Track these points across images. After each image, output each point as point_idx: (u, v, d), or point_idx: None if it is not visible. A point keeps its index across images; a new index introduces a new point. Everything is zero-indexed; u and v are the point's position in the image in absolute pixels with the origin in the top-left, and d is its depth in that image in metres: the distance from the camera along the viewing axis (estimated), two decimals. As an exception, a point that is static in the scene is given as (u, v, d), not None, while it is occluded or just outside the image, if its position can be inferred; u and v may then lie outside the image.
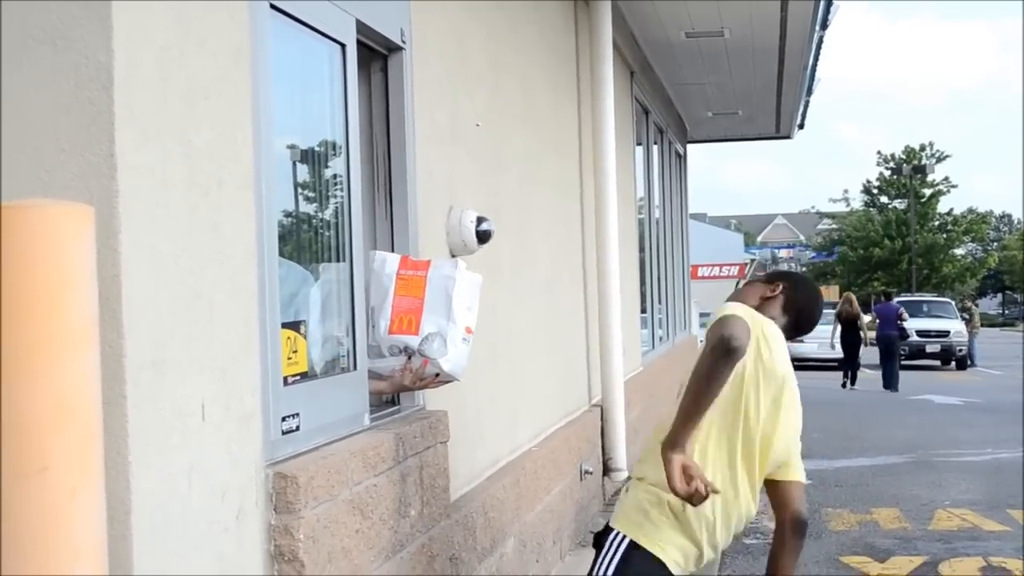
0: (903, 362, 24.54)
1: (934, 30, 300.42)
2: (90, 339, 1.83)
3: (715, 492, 3.69)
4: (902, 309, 26.11)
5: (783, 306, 4.18)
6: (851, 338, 25.00)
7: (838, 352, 31.60)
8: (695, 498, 3.65)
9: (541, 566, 6.25)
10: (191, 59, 2.92)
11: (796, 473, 4.06)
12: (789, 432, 3.99)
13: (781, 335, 4.04)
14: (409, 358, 4.26)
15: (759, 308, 4.09)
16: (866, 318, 25.89)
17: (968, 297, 54.10)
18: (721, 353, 3.64)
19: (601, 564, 3.91)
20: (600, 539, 4.00)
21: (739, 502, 3.96)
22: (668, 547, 3.89)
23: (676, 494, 3.67)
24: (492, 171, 5.98)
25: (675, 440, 3.69)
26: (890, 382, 24.09)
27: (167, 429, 2.73)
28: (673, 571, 3.90)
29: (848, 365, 25.14)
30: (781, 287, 4.21)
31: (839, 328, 25.52)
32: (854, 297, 26.62)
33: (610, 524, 3.99)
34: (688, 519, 3.87)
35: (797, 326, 4.24)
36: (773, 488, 4.07)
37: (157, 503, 2.66)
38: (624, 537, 3.91)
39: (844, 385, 24.78)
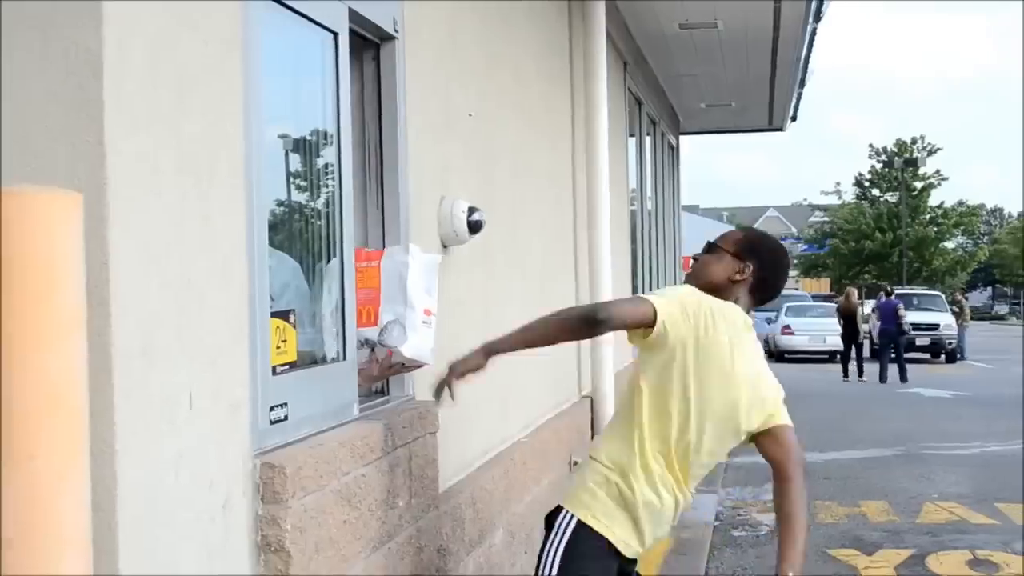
0: (893, 355, 24.94)
1: (929, 21, 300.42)
2: (78, 327, 1.82)
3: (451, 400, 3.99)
4: (900, 304, 26.51)
5: (751, 288, 4.13)
6: (849, 330, 25.67)
7: (828, 345, 32.12)
8: (439, 391, 4.03)
9: (529, 557, 6.22)
10: (182, 47, 2.90)
11: (782, 419, 4.05)
12: (749, 394, 3.96)
13: (735, 315, 3.97)
14: (372, 350, 4.25)
15: (725, 288, 4.08)
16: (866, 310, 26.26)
17: (958, 290, 54.20)
18: (588, 320, 3.96)
19: (551, 545, 3.91)
20: (550, 519, 3.99)
21: (682, 490, 3.98)
22: (615, 528, 3.90)
23: (447, 378, 4.01)
24: (484, 162, 5.97)
25: (496, 347, 4.02)
26: (885, 375, 24.55)
27: (155, 418, 2.71)
28: (622, 551, 3.92)
29: (848, 358, 25.71)
30: (752, 269, 4.10)
31: (841, 321, 26.28)
32: (854, 291, 27.18)
33: (560, 504, 3.99)
34: (635, 501, 3.88)
35: (762, 301, 4.23)
36: (765, 440, 4.04)
37: (144, 492, 2.64)
38: (572, 517, 3.91)
39: (846, 377, 25.38)
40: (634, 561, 4.06)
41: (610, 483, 3.90)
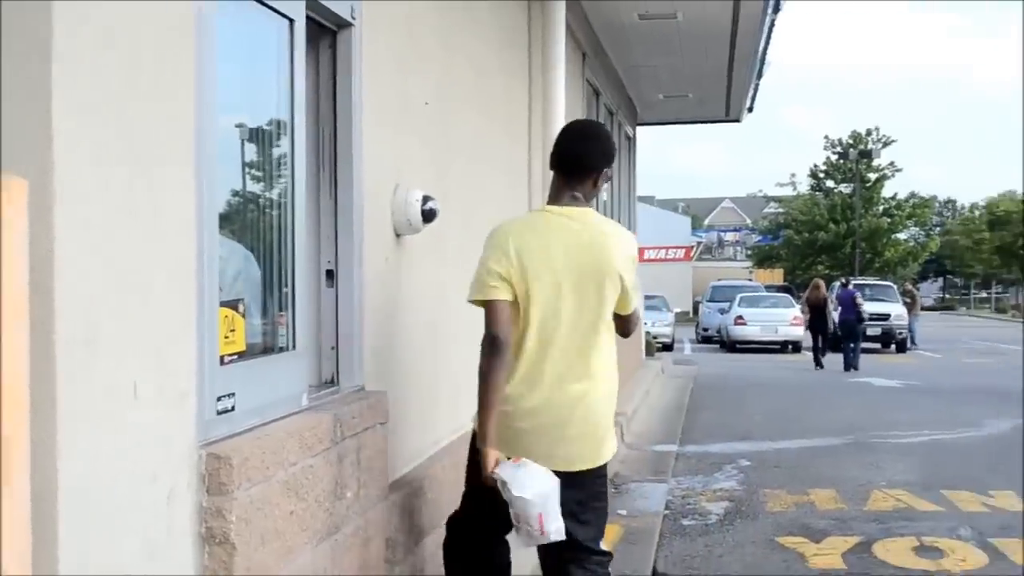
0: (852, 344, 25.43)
1: (885, 15, 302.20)
2: (20, 316, 1.79)
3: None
4: (858, 294, 27.03)
5: (555, 175, 4.50)
6: (819, 323, 26.18)
7: (780, 335, 32.60)
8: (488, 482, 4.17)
9: (479, 546, 6.24)
10: (133, 33, 2.86)
11: (630, 306, 4.50)
12: (594, 283, 4.31)
13: (548, 224, 4.36)
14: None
15: (559, 197, 4.44)
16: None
17: (910, 281, 54.60)
18: (490, 352, 4.21)
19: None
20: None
21: (580, 383, 4.30)
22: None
23: (486, 482, 4.18)
24: (440, 151, 5.94)
25: (484, 434, 4.21)
26: (851, 363, 25.04)
27: (98, 409, 2.68)
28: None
29: (818, 348, 26.21)
30: (552, 168, 4.52)
31: (808, 314, 26.87)
32: (822, 282, 27.90)
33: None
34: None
35: (567, 173, 4.47)
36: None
37: (86, 484, 2.61)
38: None
39: (816, 366, 25.79)
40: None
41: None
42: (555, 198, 4.45)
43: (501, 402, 4.19)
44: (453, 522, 4.68)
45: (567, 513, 4.19)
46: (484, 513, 4.38)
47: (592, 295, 4.30)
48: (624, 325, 4.58)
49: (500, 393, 4.18)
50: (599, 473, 4.43)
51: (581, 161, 4.45)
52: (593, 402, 4.33)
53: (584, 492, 4.35)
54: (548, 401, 4.26)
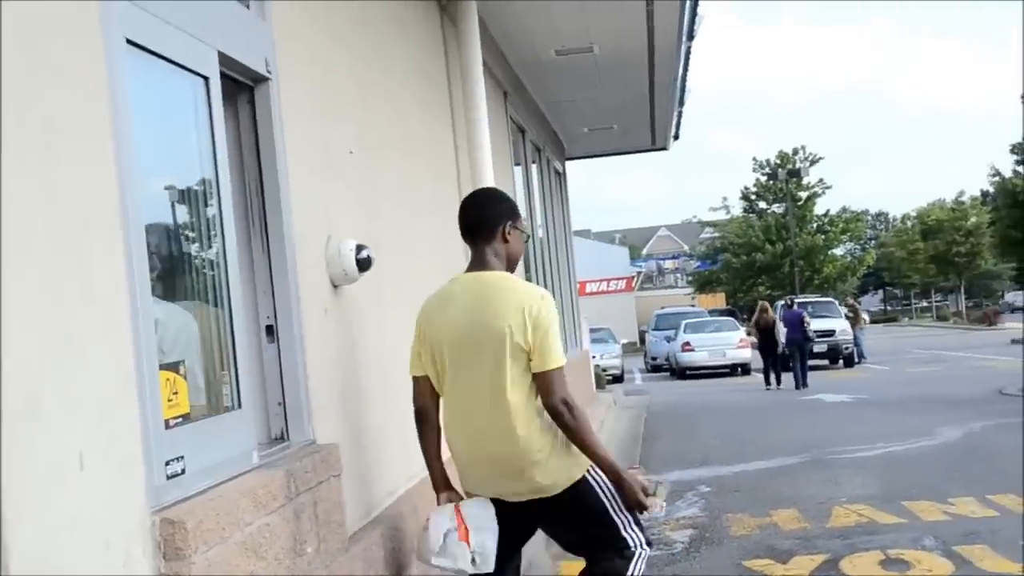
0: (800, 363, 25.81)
1: (796, 34, 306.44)
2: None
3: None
4: (804, 313, 27.48)
5: (469, 246, 4.77)
6: (768, 343, 26.59)
7: (728, 359, 32.98)
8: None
9: (446, 593, 6.18)
10: (47, 97, 2.82)
11: (537, 366, 4.45)
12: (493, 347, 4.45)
13: (448, 292, 4.67)
14: None
15: (472, 264, 4.71)
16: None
17: (851, 295, 55.09)
18: (416, 420, 4.72)
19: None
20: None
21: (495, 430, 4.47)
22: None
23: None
24: (369, 198, 5.92)
25: (433, 480, 4.78)
26: (804, 381, 25.53)
27: (45, 480, 2.62)
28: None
29: (769, 368, 26.69)
30: (464, 239, 4.78)
31: (757, 335, 27.37)
32: (769, 305, 28.25)
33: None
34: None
35: (473, 237, 4.73)
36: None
37: (36, 557, 2.55)
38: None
39: (768, 386, 26.29)
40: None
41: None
42: (470, 266, 4.72)
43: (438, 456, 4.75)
44: None
45: (567, 544, 4.81)
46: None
47: (487, 356, 4.47)
48: (541, 385, 4.46)
49: (430, 450, 4.74)
50: (562, 498, 4.53)
51: (479, 224, 4.72)
52: (508, 456, 4.49)
53: (561, 515, 4.59)
54: (472, 457, 4.60)
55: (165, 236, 3.78)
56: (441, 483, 4.74)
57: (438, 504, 4.68)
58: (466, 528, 4.54)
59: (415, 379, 4.70)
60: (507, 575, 4.77)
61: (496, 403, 4.43)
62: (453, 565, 4.53)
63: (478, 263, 4.66)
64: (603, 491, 4.56)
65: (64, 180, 2.87)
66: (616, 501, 4.57)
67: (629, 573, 4.60)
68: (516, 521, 4.64)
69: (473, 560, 4.50)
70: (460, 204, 4.89)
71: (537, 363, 4.42)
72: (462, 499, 4.68)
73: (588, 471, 4.55)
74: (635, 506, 4.56)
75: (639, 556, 4.64)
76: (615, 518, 4.59)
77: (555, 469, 4.50)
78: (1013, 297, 78.93)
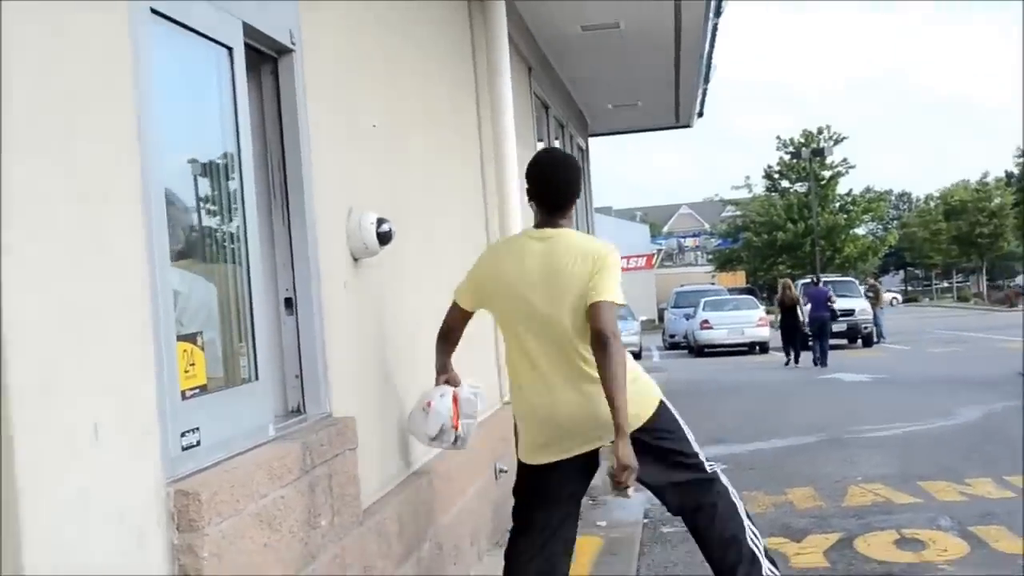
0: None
1: (826, 19, 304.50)
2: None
3: None
4: (831, 292, 27.68)
5: (533, 201, 4.97)
6: (791, 321, 27.14)
7: (747, 337, 33.12)
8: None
9: (459, 568, 6.20)
10: (69, 69, 2.82)
11: (591, 296, 4.68)
12: (552, 295, 4.75)
13: (522, 246, 4.93)
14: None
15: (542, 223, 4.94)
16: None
17: (871, 275, 54.88)
18: (437, 337, 5.33)
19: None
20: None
21: (562, 388, 4.77)
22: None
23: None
24: (393, 172, 5.90)
25: (438, 366, 5.37)
26: (823, 359, 25.68)
27: (59, 452, 2.63)
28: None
29: (790, 345, 27.22)
30: (529, 200, 5.00)
31: (780, 313, 28.16)
32: (791, 283, 28.95)
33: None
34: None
35: (546, 206, 4.93)
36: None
37: (51, 530, 2.56)
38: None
39: (787, 363, 26.78)
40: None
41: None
42: (542, 223, 4.94)
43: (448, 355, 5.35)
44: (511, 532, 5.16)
45: (654, 481, 5.00)
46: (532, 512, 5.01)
47: (565, 305, 4.72)
48: (593, 313, 4.65)
49: (443, 355, 5.35)
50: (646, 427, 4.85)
51: (563, 195, 4.93)
52: (578, 405, 4.76)
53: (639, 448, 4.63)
54: (535, 404, 4.88)
55: (186, 208, 3.78)
56: (442, 369, 5.34)
57: (436, 384, 5.32)
58: (458, 414, 5.36)
59: (455, 304, 5.19)
60: (568, 525, 5.06)
61: (573, 347, 4.73)
62: (440, 446, 5.48)
63: (549, 223, 4.90)
64: (677, 416, 5.02)
65: (85, 153, 2.86)
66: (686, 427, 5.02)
67: (734, 497, 5.12)
68: (580, 474, 4.98)
69: (456, 440, 5.41)
70: (538, 163, 5.04)
71: (592, 295, 4.65)
72: (458, 386, 5.41)
73: (662, 400, 4.98)
74: (619, 473, 4.53)
75: (720, 474, 5.12)
76: (691, 440, 5.04)
77: (634, 401, 4.68)
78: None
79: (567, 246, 4.79)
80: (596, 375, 4.58)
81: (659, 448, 4.90)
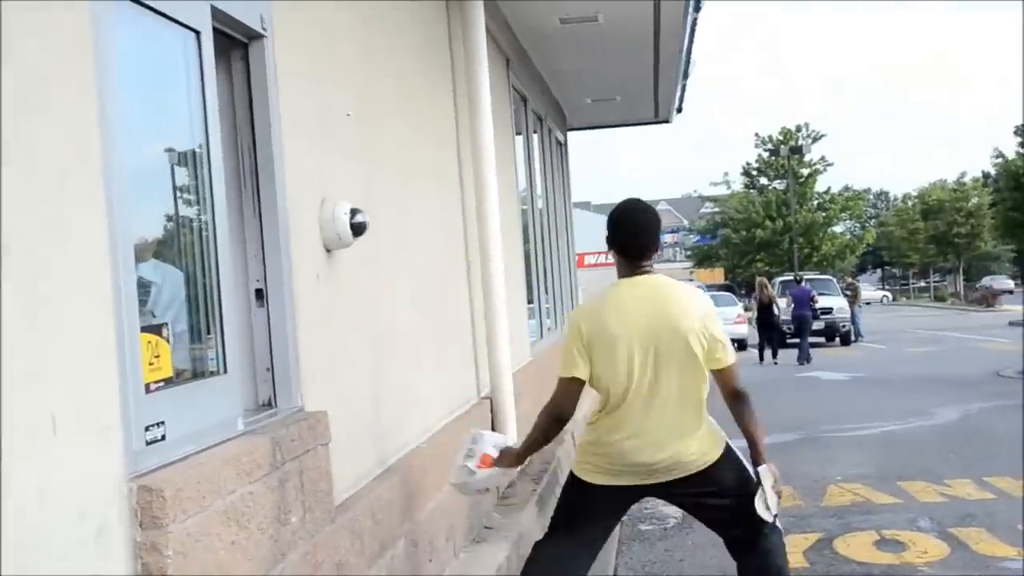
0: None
1: (807, 18, 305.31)
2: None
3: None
4: (814, 292, 28.57)
5: (618, 254, 5.09)
6: (767, 318, 27.44)
7: (734, 333, 33.42)
8: None
9: (435, 565, 6.10)
10: (28, 51, 2.71)
11: (721, 361, 5.00)
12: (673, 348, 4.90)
13: (599, 296, 5.14)
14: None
15: (617, 269, 5.11)
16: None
17: (849, 274, 55.00)
18: (553, 419, 5.12)
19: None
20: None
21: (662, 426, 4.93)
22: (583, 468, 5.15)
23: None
24: (367, 162, 5.80)
25: (521, 453, 5.40)
26: (805, 356, 26.06)
27: (14, 446, 2.52)
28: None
29: (766, 343, 27.59)
30: (610, 240, 5.11)
31: (757, 311, 28.54)
32: (767, 281, 29.33)
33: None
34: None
35: (632, 256, 5.06)
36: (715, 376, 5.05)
37: (5, 528, 2.45)
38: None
39: (761, 361, 26.93)
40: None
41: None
42: (632, 271, 5.06)
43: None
44: (538, 544, 5.32)
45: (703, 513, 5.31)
46: (568, 540, 5.16)
47: (677, 355, 4.91)
48: (727, 376, 5.06)
49: (548, 439, 5.28)
50: (718, 463, 5.12)
51: (650, 249, 5.09)
52: (673, 451, 4.99)
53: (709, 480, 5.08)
54: (626, 449, 4.98)
55: (151, 196, 3.66)
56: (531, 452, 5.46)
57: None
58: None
59: (571, 381, 5.00)
60: (598, 545, 5.31)
61: (687, 399, 4.96)
62: (482, 487, 5.75)
63: (638, 269, 5.04)
64: (740, 457, 5.18)
65: (43, 136, 2.76)
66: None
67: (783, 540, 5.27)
68: (632, 499, 5.29)
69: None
70: (629, 218, 5.14)
71: (723, 357, 4.97)
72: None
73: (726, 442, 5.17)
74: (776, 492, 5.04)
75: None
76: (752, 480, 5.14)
77: (708, 440, 5.09)
78: (989, 281, 78.83)
79: (667, 295, 4.99)
80: (696, 423, 5.01)
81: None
